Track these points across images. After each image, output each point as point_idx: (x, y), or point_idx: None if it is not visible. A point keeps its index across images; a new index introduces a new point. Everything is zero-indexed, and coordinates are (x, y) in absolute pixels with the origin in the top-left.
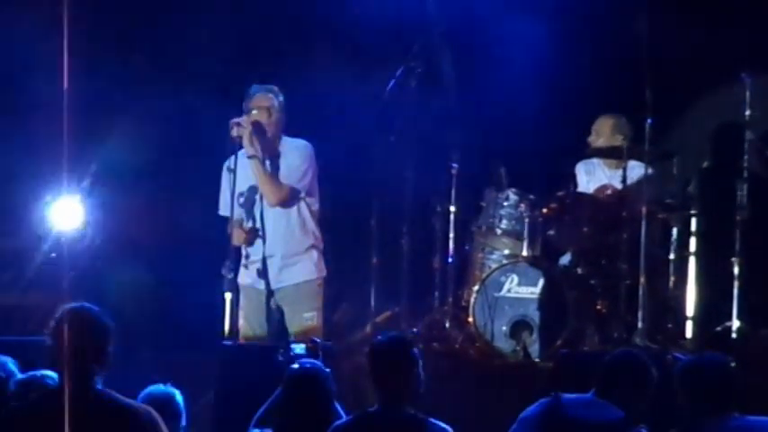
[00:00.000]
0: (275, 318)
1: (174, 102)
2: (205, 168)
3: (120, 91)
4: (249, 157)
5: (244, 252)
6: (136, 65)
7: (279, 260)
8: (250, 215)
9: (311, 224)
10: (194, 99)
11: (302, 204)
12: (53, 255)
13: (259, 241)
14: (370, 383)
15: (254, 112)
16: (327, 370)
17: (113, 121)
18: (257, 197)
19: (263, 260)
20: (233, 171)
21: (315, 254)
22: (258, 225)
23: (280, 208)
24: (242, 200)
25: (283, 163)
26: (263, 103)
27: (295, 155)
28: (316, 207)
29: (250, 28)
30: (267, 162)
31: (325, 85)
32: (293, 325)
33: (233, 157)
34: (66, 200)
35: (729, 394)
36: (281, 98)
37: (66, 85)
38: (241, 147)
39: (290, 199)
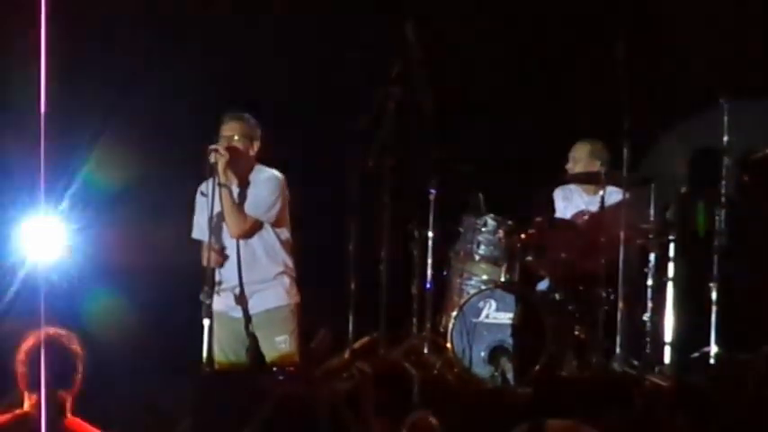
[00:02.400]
0: (251, 345)
1: (152, 126)
2: (183, 193)
3: (97, 114)
4: (219, 185)
5: (216, 278)
6: (114, 87)
7: (247, 287)
8: (219, 240)
9: (282, 253)
10: (173, 123)
11: (271, 233)
12: (29, 281)
13: (231, 268)
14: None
15: (224, 138)
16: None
17: (91, 145)
18: (224, 224)
19: (241, 287)
20: (206, 195)
21: (286, 280)
22: (228, 250)
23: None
24: (212, 224)
25: (252, 192)
26: (231, 131)
27: (264, 186)
28: (286, 236)
29: (228, 54)
30: (237, 191)
31: (301, 110)
32: (267, 351)
33: (208, 181)
34: (43, 225)
35: (706, 419)
36: (253, 125)
37: (43, 108)
38: (213, 174)
39: (252, 232)
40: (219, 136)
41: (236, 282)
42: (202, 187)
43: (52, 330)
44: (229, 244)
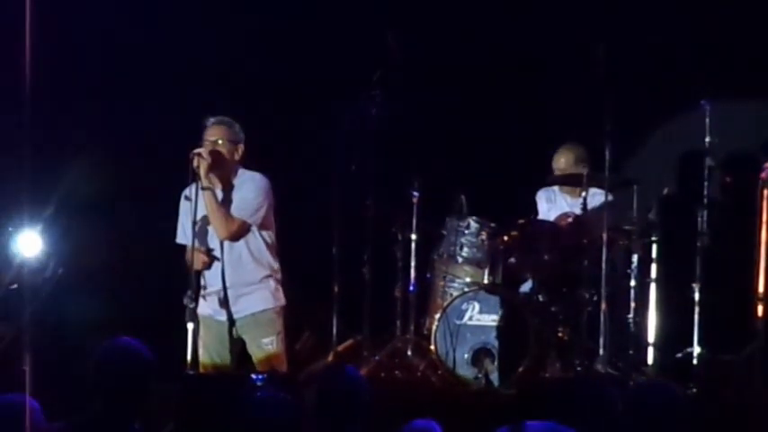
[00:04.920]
0: (236, 348)
1: (134, 132)
2: (165, 198)
3: (80, 122)
4: (202, 189)
5: (202, 282)
6: (96, 96)
7: (233, 291)
8: (203, 244)
9: (267, 256)
10: (155, 129)
11: (257, 236)
12: (14, 286)
13: (216, 272)
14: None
15: (208, 143)
16: (289, 398)
17: (74, 151)
18: (209, 227)
19: (225, 291)
20: (190, 199)
21: (272, 283)
22: (214, 253)
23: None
24: (196, 228)
25: (237, 195)
26: (215, 135)
27: (249, 188)
28: (271, 239)
29: (210, 59)
30: (221, 194)
31: (284, 114)
32: (254, 353)
33: (192, 186)
34: (28, 231)
35: (674, 421)
36: (237, 129)
37: (27, 116)
38: (196, 180)
39: (239, 233)
40: (203, 141)
41: (221, 285)
42: (187, 191)
43: (125, 339)
44: (215, 247)
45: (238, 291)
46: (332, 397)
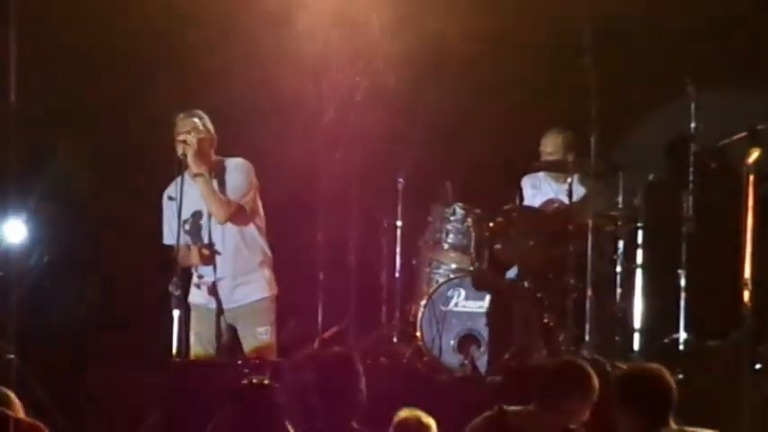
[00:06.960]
0: (227, 337)
1: (120, 122)
2: (150, 187)
3: (66, 110)
4: (195, 175)
5: (196, 272)
6: (83, 84)
7: (231, 280)
8: (198, 240)
9: (260, 240)
10: (140, 119)
11: (249, 223)
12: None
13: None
14: (316, 398)
15: (181, 136)
16: (276, 385)
17: (60, 139)
18: (202, 222)
19: (214, 279)
20: (174, 199)
21: (267, 271)
22: (214, 246)
23: (226, 228)
24: (187, 226)
25: (227, 181)
26: (187, 128)
27: (235, 173)
28: (262, 224)
29: (195, 47)
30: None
31: (270, 100)
32: (247, 342)
33: (173, 185)
34: (13, 218)
35: (666, 405)
36: (207, 121)
37: (12, 105)
38: (182, 172)
39: (237, 216)
40: (176, 136)
41: (219, 276)
42: (169, 191)
43: None
44: (211, 241)
45: (237, 280)
46: (332, 382)
